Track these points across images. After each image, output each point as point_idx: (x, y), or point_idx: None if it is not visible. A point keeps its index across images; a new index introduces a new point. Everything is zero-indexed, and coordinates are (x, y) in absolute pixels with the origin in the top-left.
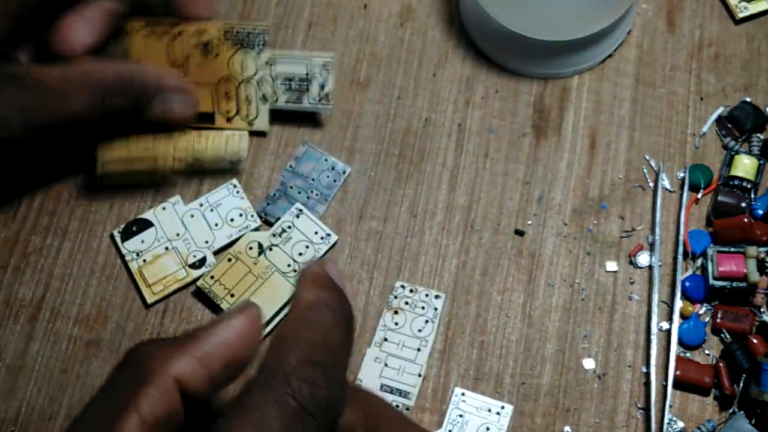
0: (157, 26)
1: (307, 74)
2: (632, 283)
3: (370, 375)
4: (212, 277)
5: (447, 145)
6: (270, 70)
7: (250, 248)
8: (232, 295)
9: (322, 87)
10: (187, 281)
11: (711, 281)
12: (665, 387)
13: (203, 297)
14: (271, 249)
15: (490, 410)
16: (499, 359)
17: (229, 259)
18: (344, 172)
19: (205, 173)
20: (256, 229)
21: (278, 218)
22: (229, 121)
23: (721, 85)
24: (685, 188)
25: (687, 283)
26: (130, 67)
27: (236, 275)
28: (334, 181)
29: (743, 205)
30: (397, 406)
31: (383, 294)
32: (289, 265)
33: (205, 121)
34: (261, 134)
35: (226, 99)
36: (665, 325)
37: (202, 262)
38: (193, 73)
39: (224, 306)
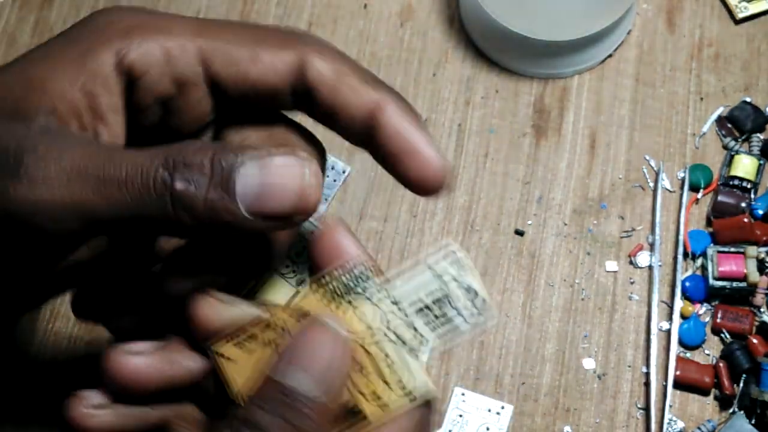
0: (241, 334)
1: (443, 290)
2: (632, 283)
3: None
4: None
5: (447, 145)
6: (391, 302)
7: None
8: None
9: (468, 290)
10: None
11: (711, 281)
12: (665, 387)
13: None
14: None
15: (490, 410)
16: (499, 359)
17: None
18: (344, 172)
19: None
20: None
21: None
22: (384, 407)
23: (721, 85)
24: (685, 188)
25: (687, 283)
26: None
27: None
28: (334, 180)
29: (743, 205)
30: None
31: None
32: (287, 266)
33: (350, 420)
34: None
35: (362, 376)
36: (665, 325)
37: None
38: None
39: None
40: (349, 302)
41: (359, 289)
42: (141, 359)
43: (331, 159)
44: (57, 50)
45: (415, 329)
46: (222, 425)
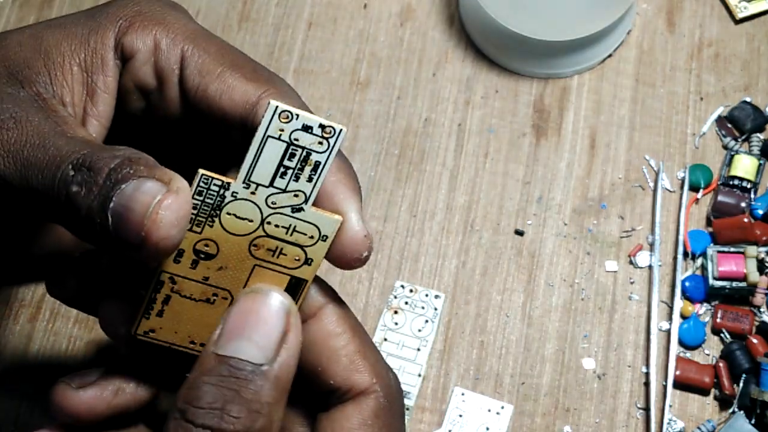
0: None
1: (287, 144)
2: (632, 283)
3: None
4: None
5: (447, 145)
6: (260, 187)
7: None
8: None
9: (308, 129)
10: None
11: (711, 281)
12: (665, 387)
13: None
14: None
15: (490, 410)
16: (499, 359)
17: None
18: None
19: None
20: None
21: None
22: (309, 262)
23: (721, 85)
24: (685, 188)
25: (687, 283)
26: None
27: None
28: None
29: (743, 205)
30: None
31: (383, 294)
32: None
33: (298, 288)
34: None
35: (280, 255)
36: (665, 325)
37: None
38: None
39: None
40: (225, 212)
41: (222, 200)
42: (87, 392)
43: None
44: (71, 23)
45: (289, 191)
46: (170, 412)
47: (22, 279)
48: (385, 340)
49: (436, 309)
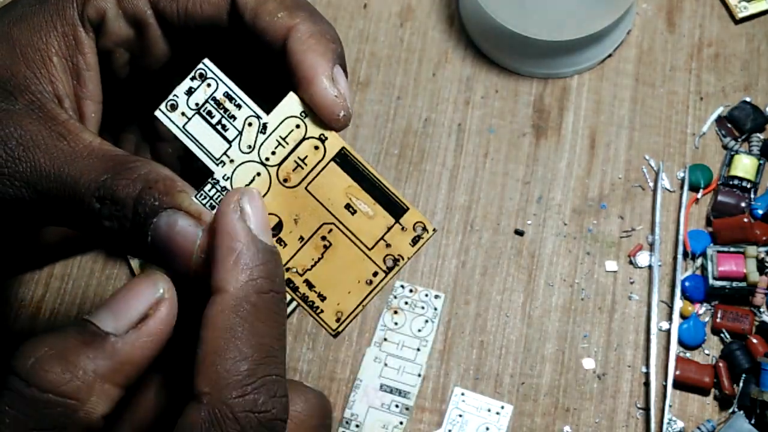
0: None
1: (197, 112)
2: (632, 283)
3: (370, 375)
4: None
5: (447, 145)
6: (230, 151)
7: None
8: None
9: (197, 77)
10: None
11: (711, 281)
12: (665, 387)
13: None
14: None
15: (489, 410)
16: (499, 359)
17: None
18: None
19: None
20: None
21: None
22: (324, 139)
23: (721, 85)
24: (685, 188)
25: (687, 283)
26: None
27: None
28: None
29: (743, 205)
30: (397, 406)
31: (383, 294)
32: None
33: (346, 161)
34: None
35: (303, 162)
36: (665, 325)
37: None
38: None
39: None
40: (206, 198)
41: (226, 187)
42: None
43: None
44: (31, 14)
45: (243, 129)
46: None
47: (34, 265)
48: (385, 340)
49: (435, 309)
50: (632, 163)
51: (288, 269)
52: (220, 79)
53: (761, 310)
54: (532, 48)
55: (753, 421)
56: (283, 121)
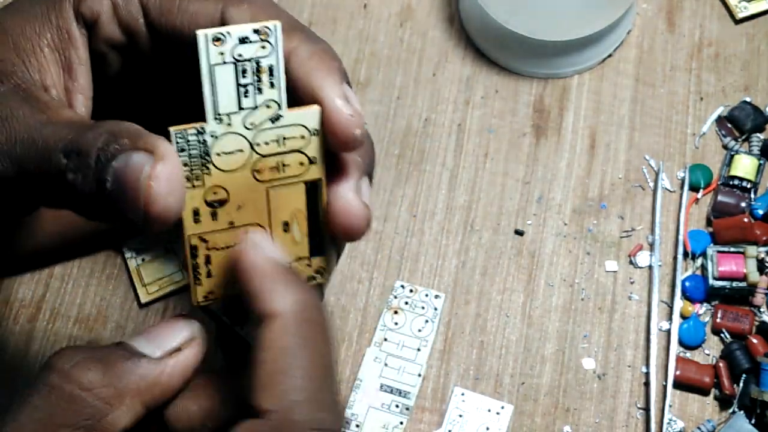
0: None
1: (233, 63)
2: (632, 283)
3: (370, 375)
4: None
5: (447, 145)
6: (231, 115)
7: None
8: None
9: (245, 40)
10: (182, 284)
11: (711, 281)
12: (665, 387)
13: (203, 308)
14: None
15: (489, 410)
16: (499, 359)
17: None
18: None
19: None
20: None
21: None
22: (313, 161)
23: (721, 85)
24: (685, 188)
25: (687, 283)
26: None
27: None
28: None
29: (743, 205)
30: (397, 406)
31: (383, 294)
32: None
33: (314, 197)
34: None
35: (284, 169)
36: (665, 325)
37: None
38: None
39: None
40: (215, 154)
41: (204, 144)
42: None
43: None
44: (26, 4)
45: (259, 105)
46: None
47: (27, 268)
48: (385, 340)
49: (436, 309)
50: (632, 163)
51: (202, 239)
52: (276, 50)
53: (761, 310)
54: (532, 48)
55: (753, 421)
56: (295, 125)
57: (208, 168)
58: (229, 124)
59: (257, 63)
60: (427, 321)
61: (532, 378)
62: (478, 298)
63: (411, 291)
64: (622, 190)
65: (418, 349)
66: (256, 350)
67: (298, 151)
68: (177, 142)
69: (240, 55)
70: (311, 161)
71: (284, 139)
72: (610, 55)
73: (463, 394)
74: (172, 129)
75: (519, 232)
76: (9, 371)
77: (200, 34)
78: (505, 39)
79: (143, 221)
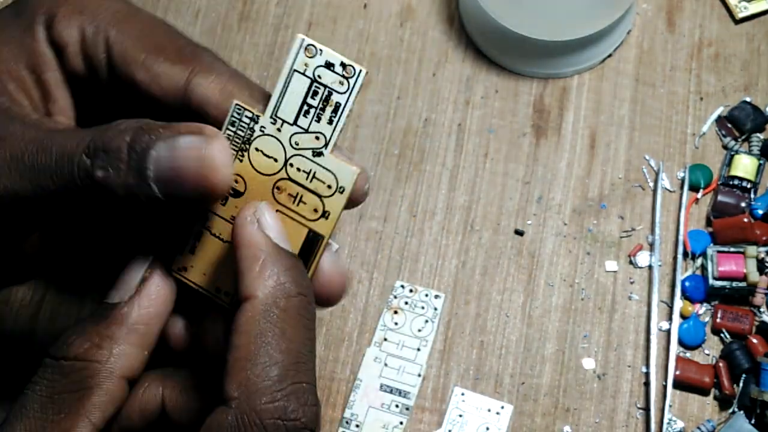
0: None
1: (311, 79)
2: (632, 283)
3: (370, 375)
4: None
5: (447, 145)
6: (287, 124)
7: None
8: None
9: (331, 66)
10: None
11: (711, 281)
12: (665, 387)
13: None
14: None
15: (489, 410)
16: (499, 359)
17: None
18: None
19: None
20: None
21: None
22: (327, 215)
23: (721, 85)
24: (685, 188)
25: (687, 283)
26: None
27: None
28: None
29: (743, 205)
30: (397, 406)
31: (383, 294)
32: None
33: (315, 245)
34: None
35: (300, 203)
36: (665, 325)
37: None
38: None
39: None
40: (253, 147)
41: (252, 132)
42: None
43: None
44: (3, 25)
45: (311, 131)
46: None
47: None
48: (385, 340)
49: (436, 309)
50: (632, 163)
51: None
52: (351, 93)
53: (761, 310)
54: (532, 48)
55: (753, 421)
56: (329, 171)
57: (243, 155)
58: (279, 130)
59: (329, 93)
60: (427, 321)
61: (532, 378)
62: (478, 298)
63: (411, 291)
64: (622, 190)
65: (418, 349)
66: (230, 334)
67: (320, 196)
68: (233, 115)
69: (319, 77)
70: (324, 215)
71: (314, 176)
72: (610, 55)
73: (463, 394)
74: (235, 101)
75: (519, 232)
76: (9, 371)
77: (299, 36)
78: (505, 39)
79: (196, 198)
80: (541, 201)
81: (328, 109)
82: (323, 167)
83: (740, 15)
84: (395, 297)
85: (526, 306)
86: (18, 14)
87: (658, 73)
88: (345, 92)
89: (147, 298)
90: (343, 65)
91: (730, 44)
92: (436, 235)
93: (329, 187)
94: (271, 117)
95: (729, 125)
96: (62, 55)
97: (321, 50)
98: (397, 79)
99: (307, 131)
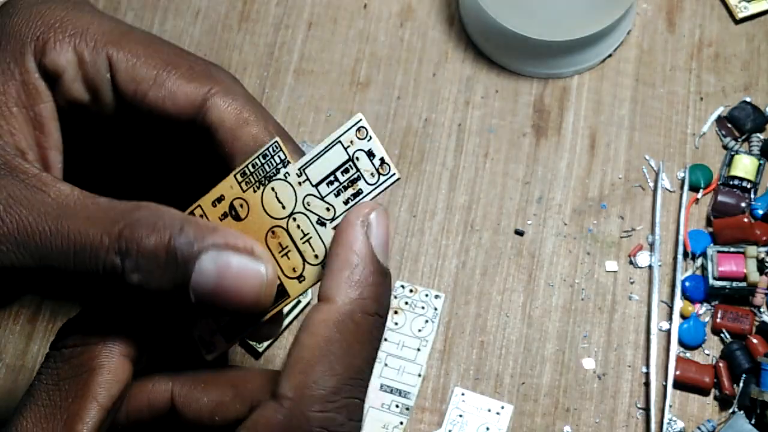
0: None
1: (349, 156)
2: (632, 283)
3: None
4: None
5: (447, 145)
6: (309, 182)
7: None
8: None
9: (371, 156)
10: None
11: (711, 281)
12: (665, 387)
13: None
14: None
15: (490, 410)
16: (499, 359)
17: None
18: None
19: None
20: None
21: None
22: (302, 279)
23: (721, 85)
24: (685, 188)
25: (687, 283)
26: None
27: None
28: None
29: (743, 205)
30: (397, 406)
31: None
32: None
33: (279, 301)
34: None
35: (285, 255)
36: (665, 325)
37: None
38: None
39: None
40: (270, 186)
41: (276, 173)
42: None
43: None
44: None
45: (326, 201)
46: None
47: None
48: (386, 340)
49: (436, 309)
50: (632, 163)
51: (205, 214)
52: (377, 187)
53: (761, 310)
54: (532, 48)
55: (753, 421)
56: (323, 243)
57: (258, 187)
58: (300, 184)
59: (358, 178)
60: (427, 321)
61: (532, 378)
62: (478, 298)
63: (411, 291)
64: (622, 190)
65: (418, 349)
66: (300, 330)
67: (304, 260)
68: (269, 149)
69: (357, 159)
70: (300, 278)
71: (309, 240)
72: (610, 55)
73: (463, 394)
74: (277, 138)
75: (519, 232)
76: (9, 371)
77: (359, 115)
78: (505, 39)
79: (239, 311)
80: (541, 201)
81: (350, 191)
82: (320, 237)
83: (740, 15)
84: (395, 297)
85: (526, 306)
86: (4, 43)
87: (658, 73)
88: (372, 185)
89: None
90: (382, 161)
91: (730, 44)
92: (436, 235)
93: (316, 257)
94: (298, 169)
95: (729, 125)
96: (57, 84)
97: (370, 138)
98: (397, 79)
99: (322, 199)
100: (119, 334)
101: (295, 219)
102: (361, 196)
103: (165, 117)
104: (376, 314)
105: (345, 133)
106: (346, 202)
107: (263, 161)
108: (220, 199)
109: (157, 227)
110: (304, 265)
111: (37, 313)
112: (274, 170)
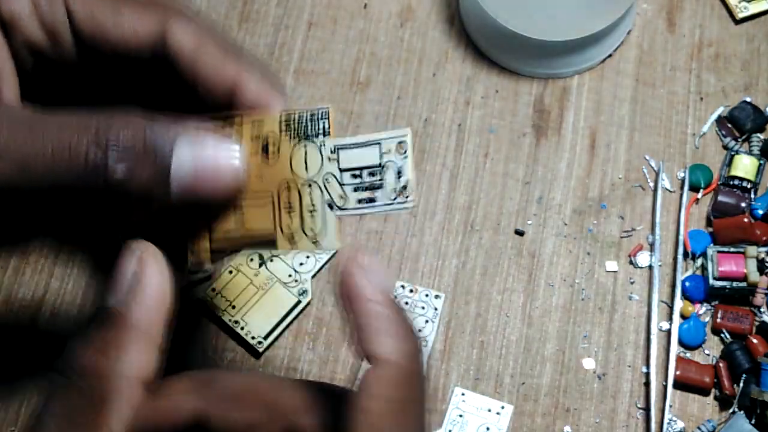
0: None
1: (380, 162)
2: (632, 283)
3: None
4: (213, 290)
5: (447, 145)
6: (337, 163)
7: (251, 260)
8: (234, 307)
9: (399, 175)
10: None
11: (711, 281)
12: (665, 387)
13: (204, 309)
14: (271, 260)
15: (490, 410)
16: (499, 359)
17: (230, 272)
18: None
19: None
20: None
21: None
22: (293, 242)
23: (721, 85)
24: (685, 188)
25: (687, 283)
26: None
27: (237, 287)
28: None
29: (743, 205)
30: None
31: None
32: (290, 275)
33: (264, 246)
34: None
35: (288, 212)
36: (665, 325)
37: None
38: (250, 182)
39: (225, 318)
40: (303, 144)
41: (315, 137)
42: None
43: None
44: None
45: (344, 188)
46: None
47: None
48: None
49: (436, 309)
50: (632, 163)
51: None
52: (389, 205)
53: (761, 310)
54: (532, 48)
55: (753, 422)
56: (322, 222)
57: (298, 141)
58: (329, 159)
59: (378, 186)
60: (427, 321)
61: (532, 378)
62: (478, 298)
63: (411, 291)
64: (622, 190)
65: None
66: (361, 392)
67: (302, 226)
68: (317, 113)
69: (386, 169)
70: (291, 239)
71: (311, 213)
72: (610, 55)
73: (463, 394)
74: (329, 106)
75: (519, 232)
76: (9, 371)
77: (408, 129)
78: (505, 39)
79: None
80: (541, 201)
81: (367, 194)
82: (322, 217)
83: (740, 15)
84: (395, 297)
85: (526, 306)
86: None
87: (658, 73)
88: (386, 202)
89: (143, 295)
90: (406, 185)
91: (730, 44)
92: (436, 235)
93: (311, 230)
94: (334, 146)
95: (729, 125)
96: (12, 29)
97: (406, 156)
98: (397, 79)
99: (341, 184)
100: (129, 357)
101: (309, 186)
102: (372, 205)
103: (127, 53)
104: (421, 355)
105: (388, 139)
106: (358, 201)
107: (310, 119)
108: (258, 123)
109: (130, 121)
110: (297, 233)
111: (37, 313)
112: (314, 134)
